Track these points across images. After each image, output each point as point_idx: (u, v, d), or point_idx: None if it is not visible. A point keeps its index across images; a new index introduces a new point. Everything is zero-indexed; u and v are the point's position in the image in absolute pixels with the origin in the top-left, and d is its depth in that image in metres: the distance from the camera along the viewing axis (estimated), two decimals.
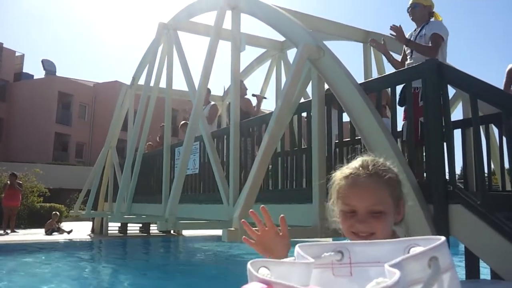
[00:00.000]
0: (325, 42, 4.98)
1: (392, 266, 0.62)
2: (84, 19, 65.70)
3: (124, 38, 71.73)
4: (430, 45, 4.27)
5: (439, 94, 3.62)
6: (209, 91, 8.22)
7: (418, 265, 0.64)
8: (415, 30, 4.53)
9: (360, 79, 5.12)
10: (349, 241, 0.73)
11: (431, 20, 4.47)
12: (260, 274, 0.65)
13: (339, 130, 4.79)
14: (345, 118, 4.56)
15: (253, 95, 8.07)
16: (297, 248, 0.77)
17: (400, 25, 4.45)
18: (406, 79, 4.03)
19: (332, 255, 0.73)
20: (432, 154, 3.65)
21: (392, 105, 4.22)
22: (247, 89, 7.93)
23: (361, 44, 7.71)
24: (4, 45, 32.69)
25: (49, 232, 12.43)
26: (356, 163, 1.26)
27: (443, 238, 0.67)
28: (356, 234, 1.19)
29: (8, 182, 13.55)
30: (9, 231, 12.63)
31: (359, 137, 4.22)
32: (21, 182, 14.32)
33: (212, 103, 8.39)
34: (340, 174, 1.27)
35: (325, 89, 4.78)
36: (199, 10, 7.86)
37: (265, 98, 8.45)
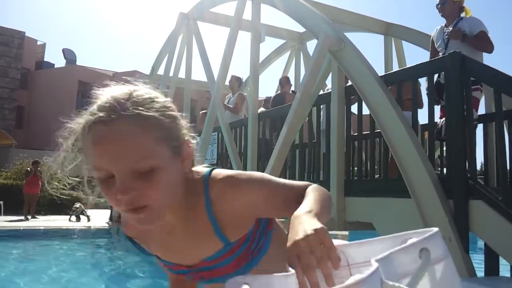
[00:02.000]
0: (346, 34, 4.93)
1: (380, 260, 0.62)
2: (104, 9, 66.20)
3: (144, 28, 71.99)
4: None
5: (461, 87, 3.56)
6: (240, 80, 8.08)
7: (408, 257, 0.64)
8: (445, 25, 4.36)
9: (380, 71, 5.07)
10: (344, 242, 0.73)
11: (462, 15, 4.32)
12: None
13: (359, 123, 4.75)
14: (365, 110, 4.52)
15: (293, 91, 7.93)
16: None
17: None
18: (428, 72, 3.96)
19: None
20: (452, 148, 3.60)
21: (413, 99, 4.16)
22: (291, 85, 7.82)
23: (382, 36, 7.61)
24: (26, 34, 33.09)
25: (74, 213, 12.83)
26: (102, 102, 0.84)
27: (435, 229, 0.68)
28: (130, 210, 0.83)
29: (29, 169, 13.80)
30: (29, 217, 12.89)
31: (379, 130, 4.18)
32: (40, 169, 14.55)
33: (240, 92, 8.19)
34: (80, 122, 0.86)
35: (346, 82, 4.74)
36: (220, 0, 7.84)
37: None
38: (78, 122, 0.86)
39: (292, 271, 0.70)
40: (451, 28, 4.22)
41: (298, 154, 5.66)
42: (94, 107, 0.84)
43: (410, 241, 0.67)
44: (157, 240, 1.05)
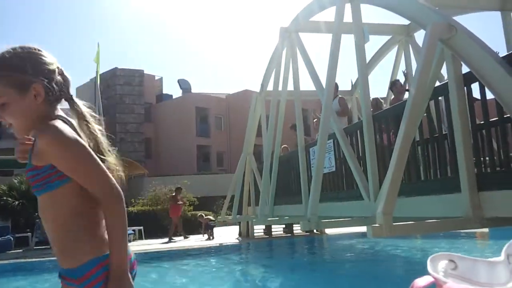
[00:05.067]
0: (456, 18, 4.64)
1: None
2: (212, 37, 69.67)
3: (250, 48, 74.37)
4: None
5: None
6: (336, 85, 8.09)
7: None
8: None
9: (500, 51, 4.67)
10: None
11: None
12: (441, 268, 0.63)
13: (484, 109, 4.40)
14: (489, 95, 4.19)
15: (407, 90, 7.73)
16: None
17: None
18: None
19: None
20: None
21: None
22: (405, 88, 7.67)
23: (499, 13, 7.01)
24: (144, 71, 35.97)
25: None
26: None
27: None
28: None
29: (174, 194, 15.13)
30: (182, 237, 14.37)
31: (508, 115, 3.85)
32: (174, 194, 15.59)
33: (339, 96, 8.31)
34: None
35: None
36: (318, 8, 7.85)
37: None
38: None
39: (501, 258, 0.66)
40: None
41: (420, 151, 5.40)
42: None
43: None
44: None
